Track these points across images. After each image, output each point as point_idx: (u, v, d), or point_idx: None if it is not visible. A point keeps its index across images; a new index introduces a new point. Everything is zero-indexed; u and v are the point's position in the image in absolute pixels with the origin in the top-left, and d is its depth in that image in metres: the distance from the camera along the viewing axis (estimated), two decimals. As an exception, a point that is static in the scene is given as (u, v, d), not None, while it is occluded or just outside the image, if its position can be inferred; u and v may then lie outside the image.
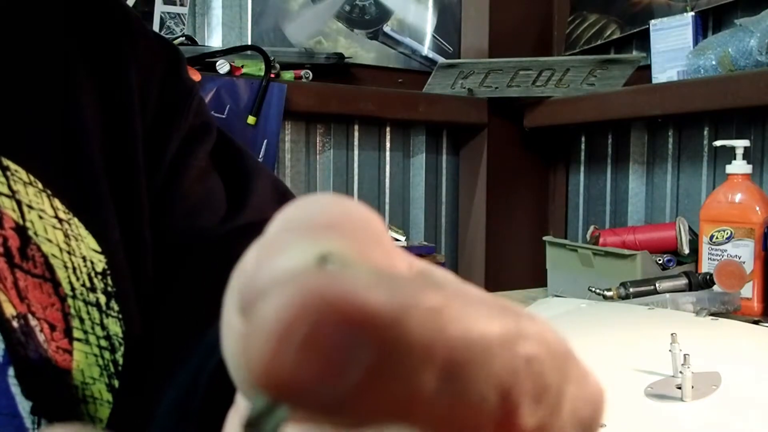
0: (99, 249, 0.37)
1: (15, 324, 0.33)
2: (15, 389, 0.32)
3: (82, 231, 0.37)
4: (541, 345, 0.13)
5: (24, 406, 0.32)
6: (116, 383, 0.36)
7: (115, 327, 0.37)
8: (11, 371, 0.32)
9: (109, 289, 0.37)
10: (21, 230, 0.35)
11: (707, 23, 1.34)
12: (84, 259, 0.36)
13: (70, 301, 0.35)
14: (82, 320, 0.36)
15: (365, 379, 0.11)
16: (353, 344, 0.11)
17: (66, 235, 0.36)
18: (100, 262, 0.37)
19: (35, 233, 0.35)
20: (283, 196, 0.52)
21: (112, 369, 0.36)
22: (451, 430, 0.13)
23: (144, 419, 0.36)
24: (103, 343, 0.36)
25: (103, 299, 0.37)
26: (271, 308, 0.11)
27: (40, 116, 0.39)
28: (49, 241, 0.35)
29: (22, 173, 0.36)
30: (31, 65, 0.40)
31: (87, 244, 0.37)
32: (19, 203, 0.35)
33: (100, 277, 0.37)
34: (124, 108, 0.42)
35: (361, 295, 0.11)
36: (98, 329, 0.36)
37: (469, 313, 0.13)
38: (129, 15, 0.46)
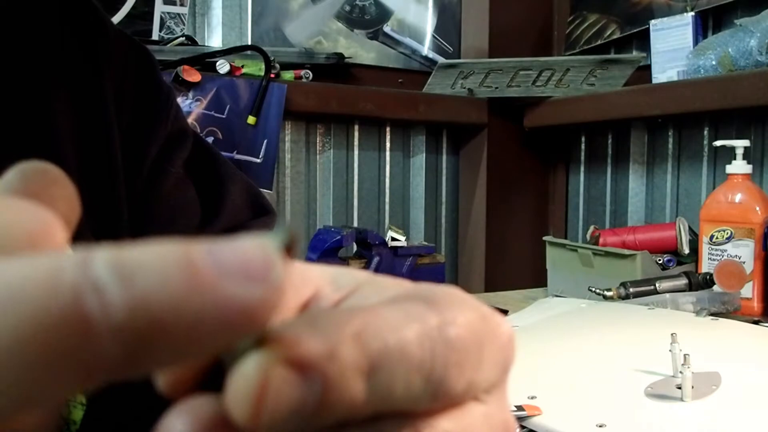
0: None
1: None
2: None
3: None
4: (450, 326, 0.16)
5: None
6: (83, 400, 0.37)
7: None
8: None
9: None
10: None
11: (707, 23, 1.34)
12: None
13: None
14: None
15: (319, 405, 0.15)
16: (308, 384, 0.14)
17: None
18: None
19: None
20: (256, 200, 0.53)
21: None
22: (393, 415, 0.16)
23: (116, 422, 0.36)
24: None
25: None
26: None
27: (14, 124, 0.39)
28: None
29: None
30: (4, 72, 0.40)
31: None
32: None
33: None
34: (99, 114, 0.43)
35: (303, 349, 0.14)
36: None
37: (386, 322, 0.16)
38: (102, 16, 0.46)
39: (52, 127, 0.40)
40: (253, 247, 0.13)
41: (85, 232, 0.39)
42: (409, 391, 0.16)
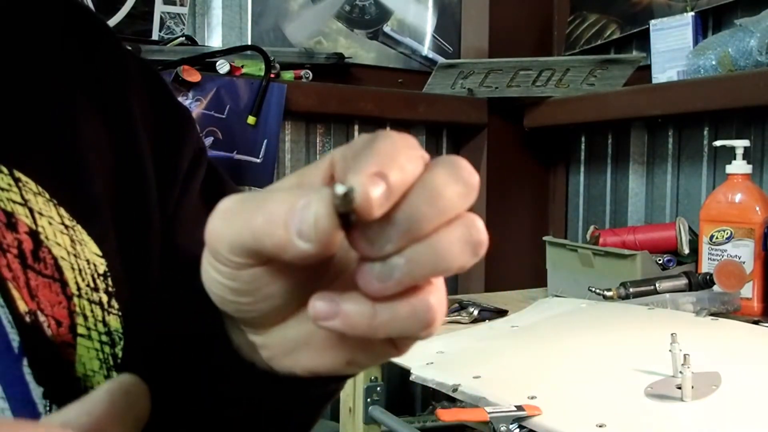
0: (100, 253, 0.40)
1: (27, 319, 0.36)
2: (29, 378, 0.35)
3: (85, 236, 0.40)
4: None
5: (37, 393, 0.35)
6: (114, 375, 0.39)
7: (115, 323, 0.40)
8: (25, 361, 0.35)
9: (110, 289, 0.40)
10: (34, 234, 0.37)
11: (707, 23, 1.34)
12: (88, 261, 0.39)
13: (75, 299, 0.38)
14: (86, 317, 0.38)
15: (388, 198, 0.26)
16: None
17: (72, 240, 0.39)
18: (102, 265, 0.40)
19: (46, 237, 0.38)
20: None
21: (111, 362, 0.39)
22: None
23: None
24: (104, 338, 0.39)
25: (105, 298, 0.39)
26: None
27: (45, 131, 0.41)
28: (58, 244, 0.38)
29: (32, 184, 0.38)
30: (35, 80, 0.42)
31: (90, 248, 0.40)
32: (31, 210, 0.38)
33: (102, 278, 0.40)
34: (126, 126, 0.44)
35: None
36: (100, 326, 0.39)
37: (405, 160, 0.26)
38: (107, 31, 0.47)
39: (79, 134, 0.41)
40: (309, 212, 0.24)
41: (110, 232, 0.41)
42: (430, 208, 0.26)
